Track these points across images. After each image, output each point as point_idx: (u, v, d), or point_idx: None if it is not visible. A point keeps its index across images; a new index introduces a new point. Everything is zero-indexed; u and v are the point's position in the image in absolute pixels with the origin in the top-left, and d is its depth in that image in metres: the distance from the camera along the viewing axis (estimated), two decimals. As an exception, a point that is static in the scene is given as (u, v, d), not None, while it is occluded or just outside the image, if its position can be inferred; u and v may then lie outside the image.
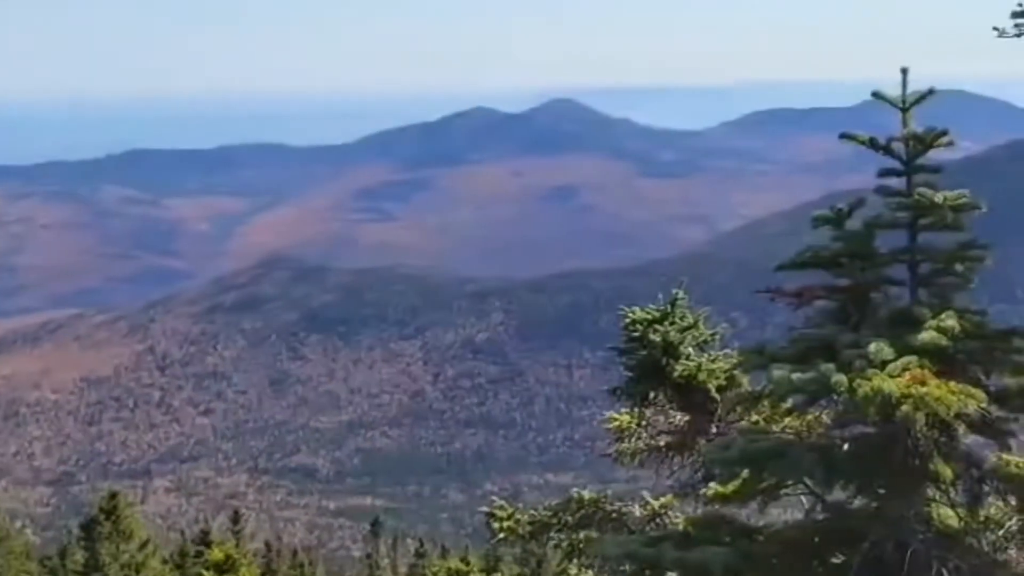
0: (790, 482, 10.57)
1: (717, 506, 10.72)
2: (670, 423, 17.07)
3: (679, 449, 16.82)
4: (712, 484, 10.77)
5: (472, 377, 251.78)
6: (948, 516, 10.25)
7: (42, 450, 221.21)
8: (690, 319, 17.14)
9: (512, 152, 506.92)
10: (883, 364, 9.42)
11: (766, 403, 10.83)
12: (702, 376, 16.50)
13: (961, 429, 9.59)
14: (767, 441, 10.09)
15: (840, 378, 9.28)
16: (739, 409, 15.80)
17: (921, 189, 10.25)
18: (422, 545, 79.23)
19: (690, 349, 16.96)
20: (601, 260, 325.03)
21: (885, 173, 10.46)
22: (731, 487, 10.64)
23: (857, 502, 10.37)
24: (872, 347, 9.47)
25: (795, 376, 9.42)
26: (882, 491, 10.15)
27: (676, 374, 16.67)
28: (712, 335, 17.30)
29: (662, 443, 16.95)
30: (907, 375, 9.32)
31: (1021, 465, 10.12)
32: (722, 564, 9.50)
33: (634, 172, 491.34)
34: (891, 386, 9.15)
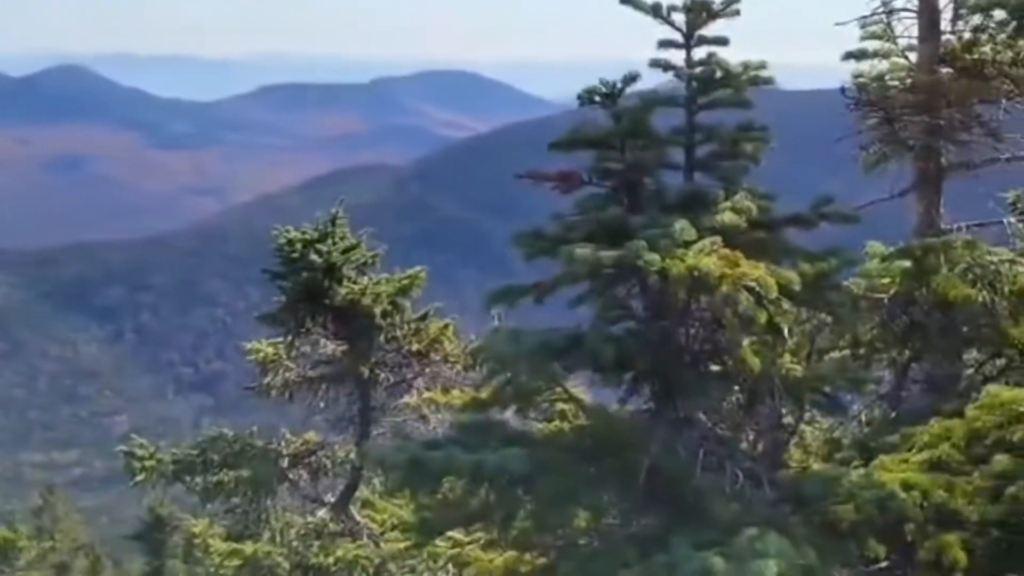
0: (550, 385, 9.62)
1: (472, 413, 9.58)
2: (322, 352, 15.85)
3: (335, 380, 15.63)
4: (461, 391, 9.62)
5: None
6: (732, 417, 9.52)
7: None
8: (351, 240, 15.89)
9: (15, 118, 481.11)
10: (686, 245, 8.53)
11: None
12: (367, 300, 15.29)
13: (762, 320, 8.85)
14: (562, 331, 8.98)
15: (652, 256, 8.27)
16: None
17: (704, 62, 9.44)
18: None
19: (352, 271, 15.74)
20: (111, 232, 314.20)
21: (665, 44, 9.54)
22: (486, 392, 9.59)
23: (630, 405, 9.50)
24: (677, 225, 8.54)
25: (602, 254, 8.34)
26: (661, 391, 9.32)
27: (339, 297, 15.40)
28: (373, 257, 16.13)
29: (315, 374, 15.70)
30: (714, 256, 8.47)
31: (797, 370, 9.61)
32: (522, 466, 8.36)
33: (145, 142, 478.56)
34: (709, 264, 8.25)
